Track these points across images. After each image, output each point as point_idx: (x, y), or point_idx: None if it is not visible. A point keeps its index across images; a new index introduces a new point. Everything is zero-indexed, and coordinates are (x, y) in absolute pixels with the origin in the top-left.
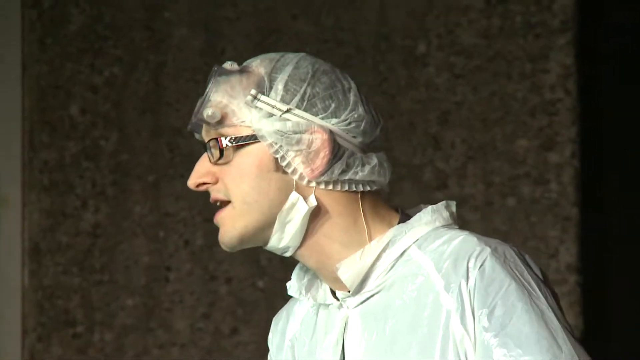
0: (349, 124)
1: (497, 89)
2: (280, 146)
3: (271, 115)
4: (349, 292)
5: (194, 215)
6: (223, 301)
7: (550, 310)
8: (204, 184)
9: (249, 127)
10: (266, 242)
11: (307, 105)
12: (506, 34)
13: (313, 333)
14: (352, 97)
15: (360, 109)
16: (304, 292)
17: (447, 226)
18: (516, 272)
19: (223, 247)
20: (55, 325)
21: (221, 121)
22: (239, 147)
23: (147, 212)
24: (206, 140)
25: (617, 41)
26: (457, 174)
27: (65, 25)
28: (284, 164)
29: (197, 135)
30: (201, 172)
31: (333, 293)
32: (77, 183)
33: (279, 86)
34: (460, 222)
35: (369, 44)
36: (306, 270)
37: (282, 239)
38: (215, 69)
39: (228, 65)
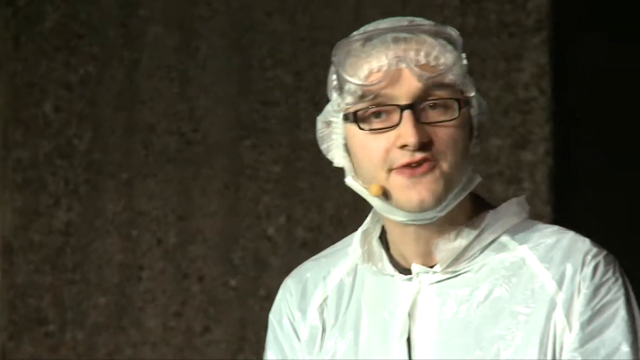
0: None
1: None
2: (479, 114)
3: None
4: (431, 267)
5: (167, 214)
6: (195, 300)
7: None
8: (424, 143)
9: (463, 91)
10: (441, 203)
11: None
12: (480, 32)
13: (348, 304)
14: None
15: None
16: (366, 259)
17: (530, 219)
18: (626, 282)
19: (420, 205)
20: (27, 323)
21: (449, 84)
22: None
23: (120, 211)
24: (410, 101)
25: (590, 41)
26: None
27: (40, 23)
28: (477, 132)
29: (355, 89)
30: (421, 130)
31: (395, 266)
32: (50, 181)
33: (464, 54)
34: None
35: None
36: (366, 240)
37: (446, 207)
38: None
39: (434, 26)
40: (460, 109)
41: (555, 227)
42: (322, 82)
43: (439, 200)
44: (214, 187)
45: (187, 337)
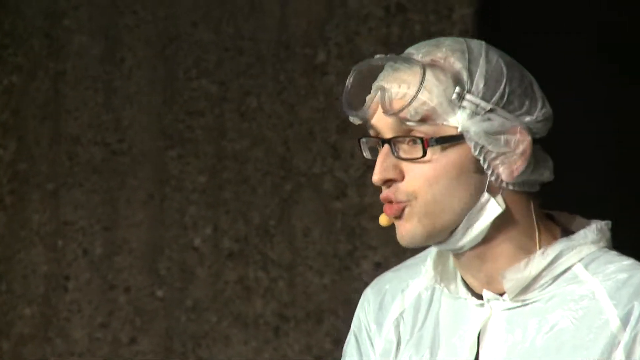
0: (539, 122)
1: None
2: (483, 147)
3: (475, 114)
4: (501, 295)
5: (93, 224)
6: (122, 310)
7: None
8: (390, 180)
9: (453, 126)
10: (442, 241)
11: (506, 102)
12: (405, 43)
13: (425, 320)
14: (538, 92)
15: (547, 105)
16: (439, 280)
17: (608, 247)
18: None
19: (401, 241)
20: None
21: (422, 119)
22: (439, 147)
23: (45, 221)
24: (390, 135)
25: (515, 50)
26: (357, 183)
27: None
28: (485, 165)
29: (353, 118)
30: (388, 168)
31: (468, 288)
32: None
33: (480, 83)
34: (359, 231)
35: (269, 53)
36: (441, 260)
37: (462, 239)
38: (394, 58)
39: (415, 56)
40: (425, 147)
41: (631, 261)
42: (248, 92)
43: (418, 237)
44: (139, 197)
45: (113, 347)
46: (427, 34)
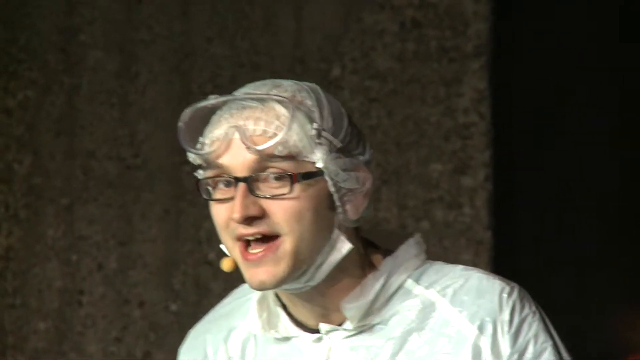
0: (368, 162)
1: (412, 112)
2: (337, 183)
3: (330, 151)
4: (340, 325)
5: (108, 239)
6: (136, 325)
7: (563, 347)
8: (251, 217)
9: (311, 162)
10: (289, 281)
11: (349, 142)
12: (421, 58)
13: None
14: (362, 134)
15: (369, 147)
16: (267, 327)
17: (430, 259)
18: (538, 309)
19: (260, 286)
20: None
21: (286, 156)
22: (303, 183)
23: (60, 236)
24: (247, 173)
25: (530, 65)
26: (371, 197)
27: None
28: (338, 202)
29: (193, 157)
30: (248, 204)
31: (299, 326)
32: None
33: (329, 121)
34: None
35: (284, 68)
36: (263, 306)
37: (312, 278)
38: (245, 95)
39: (272, 93)
40: (293, 182)
41: (460, 267)
42: None
43: (282, 280)
44: (154, 212)
45: None
46: (443, 49)
